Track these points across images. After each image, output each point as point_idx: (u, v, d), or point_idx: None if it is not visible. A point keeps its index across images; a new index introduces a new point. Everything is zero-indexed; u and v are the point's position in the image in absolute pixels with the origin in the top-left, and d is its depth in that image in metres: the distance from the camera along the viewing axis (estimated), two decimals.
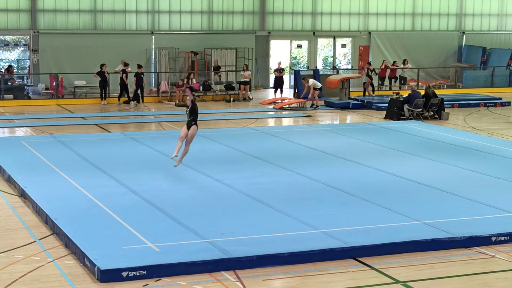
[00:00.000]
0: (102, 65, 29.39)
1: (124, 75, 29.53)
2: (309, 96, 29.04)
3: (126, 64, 30.09)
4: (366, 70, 32.24)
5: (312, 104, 29.03)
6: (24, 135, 22.06)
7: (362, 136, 22.07)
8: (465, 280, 10.69)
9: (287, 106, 28.95)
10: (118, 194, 14.67)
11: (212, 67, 32.22)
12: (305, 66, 37.65)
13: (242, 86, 31.30)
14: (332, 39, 38.00)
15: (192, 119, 16.12)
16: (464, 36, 39.59)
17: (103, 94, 29.50)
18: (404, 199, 14.62)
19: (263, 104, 30.20)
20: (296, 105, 29.13)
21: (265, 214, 13.44)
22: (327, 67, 38.56)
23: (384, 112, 26.99)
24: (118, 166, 17.35)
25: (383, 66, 35.34)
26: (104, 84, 29.38)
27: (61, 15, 32.49)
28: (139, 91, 29.58)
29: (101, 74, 29.24)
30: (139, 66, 29.80)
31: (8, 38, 33.27)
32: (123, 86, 29.50)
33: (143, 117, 26.87)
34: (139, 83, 29.50)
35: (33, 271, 10.70)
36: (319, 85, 29.39)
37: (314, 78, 31.91)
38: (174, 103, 29.53)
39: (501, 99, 31.24)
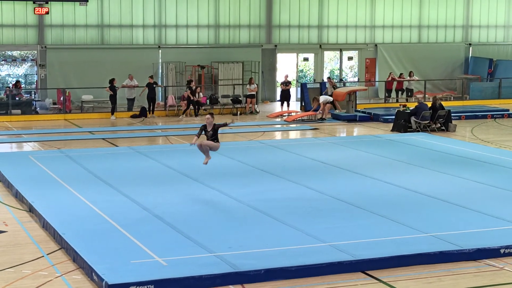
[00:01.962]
0: (112, 80, 29.44)
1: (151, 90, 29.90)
2: (320, 109, 29.12)
3: (151, 77, 30.39)
4: (327, 85, 32.10)
5: (321, 118, 29.04)
6: (32, 150, 22.11)
7: (369, 148, 22.05)
8: None
9: (299, 118, 29.00)
10: (126, 209, 14.68)
11: (186, 81, 32.14)
12: (311, 79, 37.68)
13: (248, 100, 31.35)
14: (338, 52, 38.05)
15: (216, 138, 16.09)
16: (470, 48, 39.58)
17: (114, 109, 29.56)
18: (411, 211, 14.59)
19: (270, 117, 30.23)
20: (307, 117, 29.20)
21: (272, 227, 13.43)
22: (334, 80, 38.57)
23: (391, 125, 26.97)
24: (126, 180, 17.37)
25: (389, 79, 35.35)
26: (115, 98, 29.43)
27: (68, 30, 32.63)
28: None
29: (112, 88, 29.33)
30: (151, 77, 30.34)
31: (15, 53, 33.41)
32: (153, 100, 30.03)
33: (151, 131, 26.91)
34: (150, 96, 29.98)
35: (41, 286, 10.71)
36: (330, 99, 29.48)
37: (321, 91, 31.99)
38: (180, 116, 29.69)
39: (509, 110, 31.19)
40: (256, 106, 31.70)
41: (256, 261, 11.30)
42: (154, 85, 30.18)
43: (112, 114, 29.51)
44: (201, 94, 30.85)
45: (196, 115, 30.24)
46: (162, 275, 10.69)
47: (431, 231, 13.03)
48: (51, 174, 17.94)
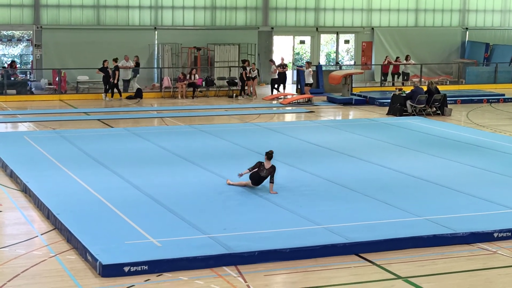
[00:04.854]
0: (104, 61, 29.37)
1: (117, 71, 29.46)
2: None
3: (115, 60, 29.86)
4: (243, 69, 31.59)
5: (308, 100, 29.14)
6: (27, 130, 22.07)
7: (365, 132, 22.06)
8: (467, 276, 10.70)
9: (295, 101, 28.96)
10: (121, 189, 14.69)
11: (134, 63, 31.71)
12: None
13: (249, 82, 30.84)
14: (335, 35, 37.97)
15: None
16: (467, 32, 39.52)
17: (109, 90, 29.43)
18: (406, 195, 14.63)
19: (265, 100, 30.18)
20: (303, 100, 29.18)
21: (267, 209, 13.45)
22: (330, 63, 38.53)
23: (387, 108, 26.95)
24: (121, 161, 17.36)
25: (386, 62, 35.31)
26: (107, 79, 29.36)
27: (64, 11, 32.49)
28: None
29: (104, 69, 29.24)
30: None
31: (11, 33, 33.26)
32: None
33: (146, 112, 26.86)
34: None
35: (35, 265, 10.73)
36: (310, 81, 29.50)
37: (317, 74, 31.93)
38: (176, 98, 29.63)
39: (504, 95, 31.20)
40: (251, 88, 31.59)
41: (250, 243, 11.33)
42: (113, 68, 29.66)
43: (105, 95, 29.44)
44: (196, 76, 30.77)
45: (192, 97, 30.19)
46: (156, 256, 10.71)
47: (425, 215, 13.06)
48: (46, 155, 17.92)
